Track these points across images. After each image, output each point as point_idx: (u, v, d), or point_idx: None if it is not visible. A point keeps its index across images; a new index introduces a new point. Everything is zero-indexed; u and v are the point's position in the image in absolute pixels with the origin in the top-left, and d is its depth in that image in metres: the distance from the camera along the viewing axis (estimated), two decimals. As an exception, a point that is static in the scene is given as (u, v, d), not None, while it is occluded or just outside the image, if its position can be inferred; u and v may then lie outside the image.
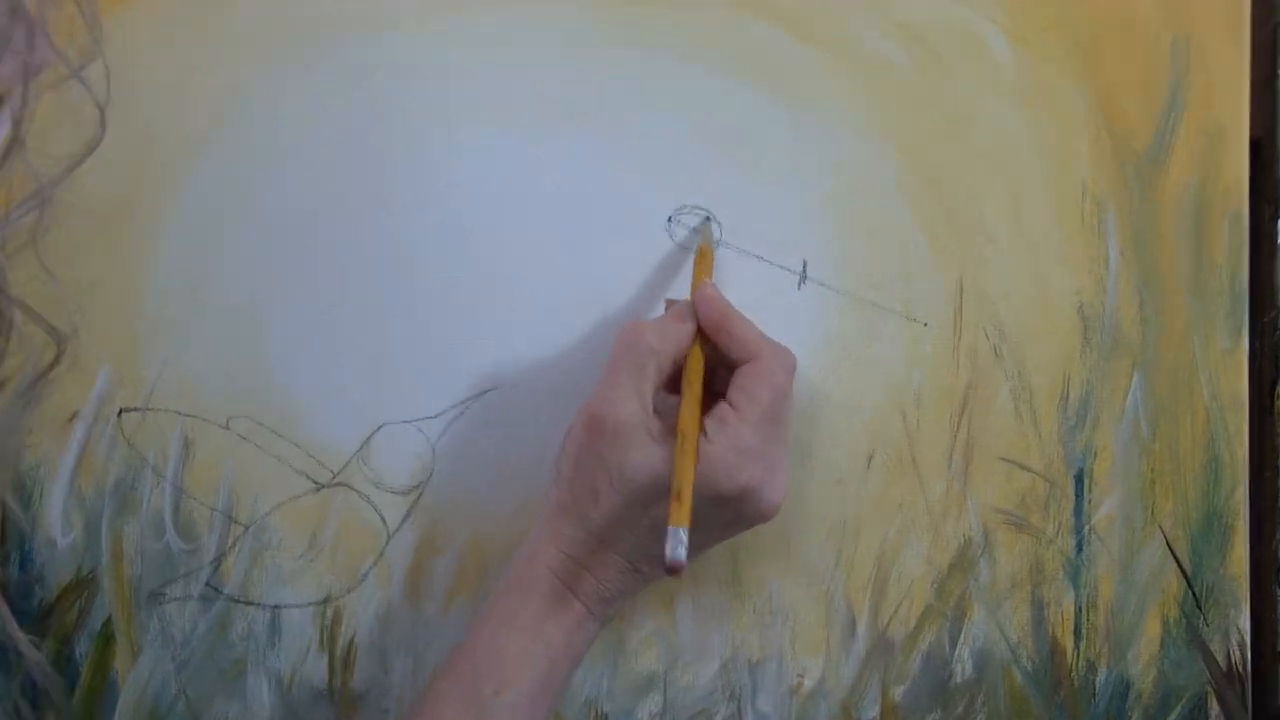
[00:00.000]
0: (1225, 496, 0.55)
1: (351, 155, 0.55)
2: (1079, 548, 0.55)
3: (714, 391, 0.50)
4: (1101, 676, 0.55)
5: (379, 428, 0.56)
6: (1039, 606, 0.55)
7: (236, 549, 0.56)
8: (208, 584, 0.56)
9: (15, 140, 0.38)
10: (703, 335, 0.51)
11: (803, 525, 0.55)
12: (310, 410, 0.56)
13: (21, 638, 0.44)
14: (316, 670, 0.56)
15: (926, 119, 0.55)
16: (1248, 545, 0.54)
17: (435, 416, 0.55)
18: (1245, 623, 0.55)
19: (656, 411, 0.49)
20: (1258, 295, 0.55)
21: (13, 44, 0.36)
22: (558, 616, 0.48)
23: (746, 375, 0.49)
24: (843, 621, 0.55)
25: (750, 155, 0.55)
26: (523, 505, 0.55)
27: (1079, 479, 0.55)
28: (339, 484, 0.56)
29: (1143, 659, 0.55)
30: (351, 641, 0.56)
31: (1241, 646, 0.55)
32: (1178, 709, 0.55)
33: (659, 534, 0.45)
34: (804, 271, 0.55)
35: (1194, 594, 0.55)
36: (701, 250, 0.54)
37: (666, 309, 0.53)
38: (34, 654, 0.51)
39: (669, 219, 0.55)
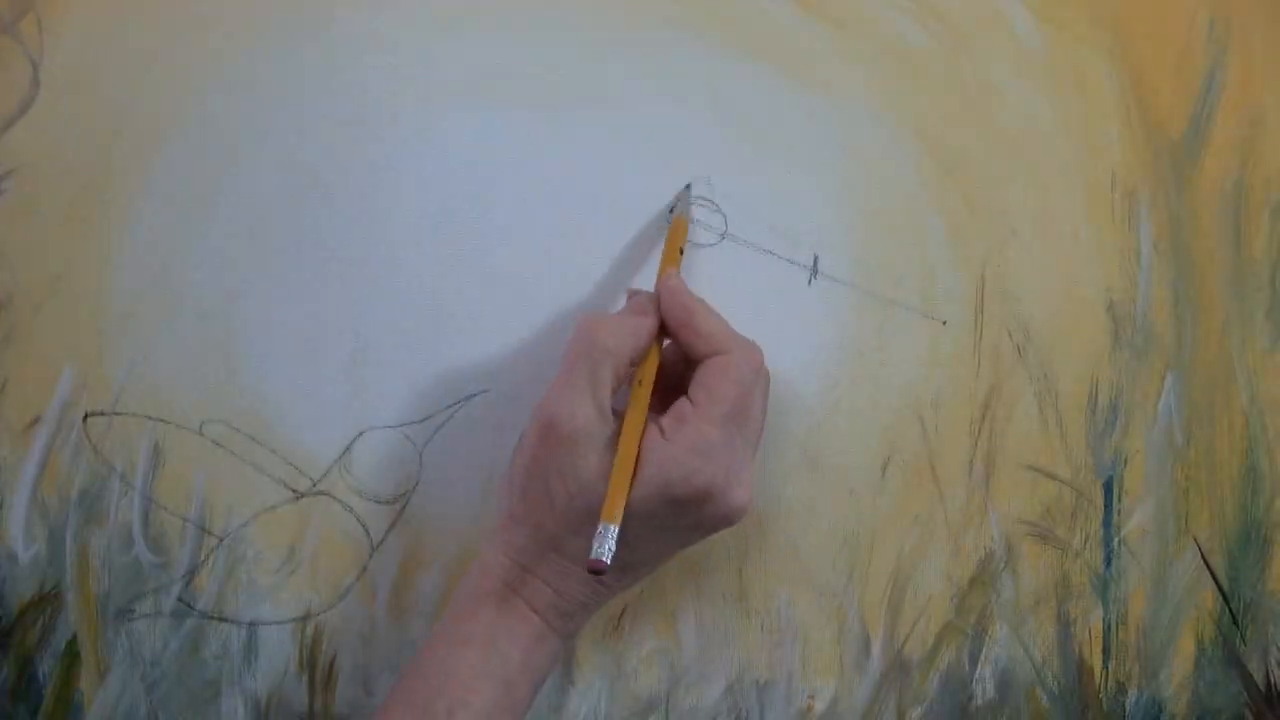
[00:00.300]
0: (1264, 507, 0.55)
1: (332, 141, 0.55)
2: (1108, 561, 0.55)
3: (677, 389, 0.50)
4: (1132, 698, 0.54)
5: (361, 433, 0.55)
6: (1065, 624, 0.54)
7: (210, 562, 0.55)
8: (179, 599, 0.55)
9: None
10: (663, 328, 0.50)
11: (814, 537, 0.55)
12: (288, 414, 0.55)
13: None
14: (295, 692, 0.55)
15: (946, 102, 0.55)
16: (1288, 559, 0.55)
17: (422, 421, 0.54)
18: (1285, 641, 0.55)
19: (615, 412, 0.49)
20: (1299, 292, 0.55)
21: None
22: (512, 630, 0.48)
23: (709, 371, 0.48)
24: (856, 640, 0.54)
25: (759, 141, 0.55)
26: (499, 481, 0.54)
27: (1108, 488, 0.55)
28: (319, 493, 0.55)
29: (1176, 679, 0.55)
30: (333, 661, 0.55)
31: (1281, 667, 0.55)
32: (1214, 733, 0.55)
33: (619, 545, 0.45)
34: (815, 266, 0.55)
35: (1230, 610, 0.54)
36: (675, 223, 0.53)
37: (628, 299, 0.53)
38: None
39: (671, 210, 0.54)
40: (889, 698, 0.54)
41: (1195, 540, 0.54)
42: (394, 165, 0.55)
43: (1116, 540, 0.54)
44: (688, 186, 0.54)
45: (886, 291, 0.54)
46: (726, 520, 0.48)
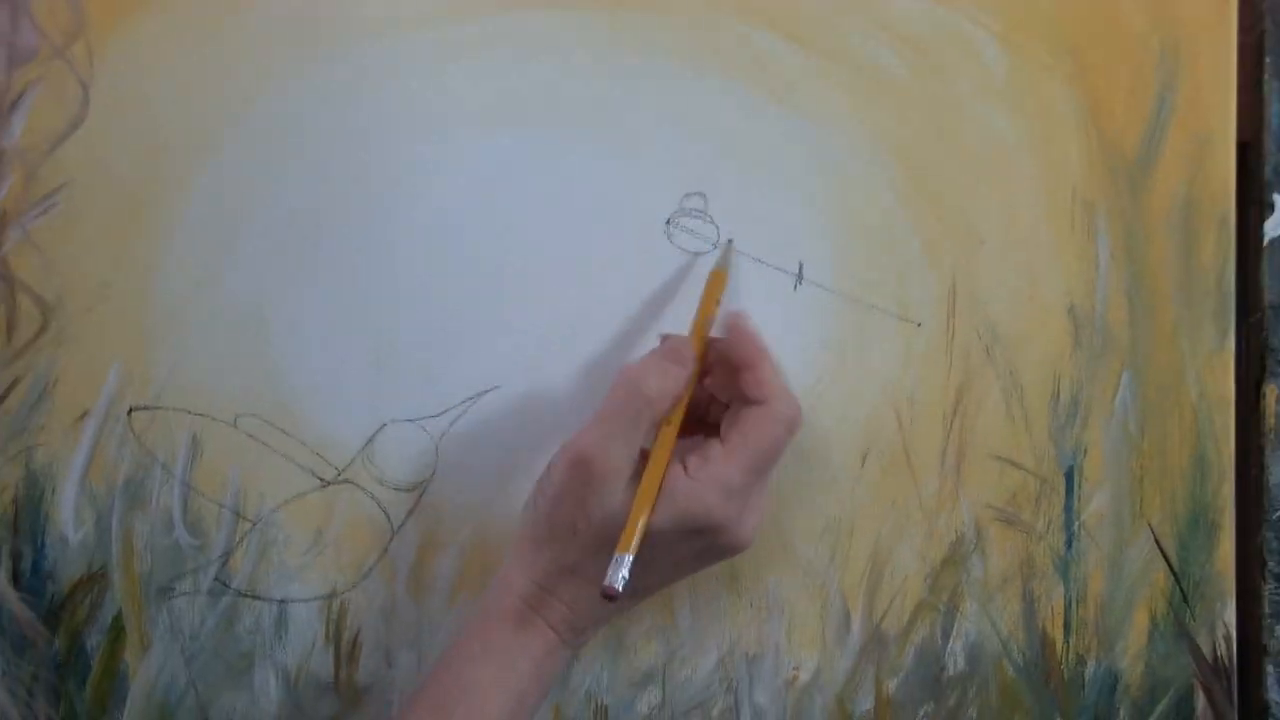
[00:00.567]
0: (1212, 493, 0.55)
1: (357, 157, 0.56)
2: (1069, 543, 0.56)
3: (696, 420, 0.51)
4: (1091, 669, 0.56)
5: (383, 426, 0.56)
6: (1030, 601, 0.56)
7: (244, 545, 0.56)
8: (216, 579, 0.57)
9: None
10: (699, 372, 0.51)
11: (799, 522, 0.56)
12: (316, 409, 0.56)
13: (12, 595, 0.44)
14: (322, 664, 0.56)
15: (919, 123, 0.56)
16: (1233, 541, 0.55)
17: (439, 415, 0.56)
18: (1231, 617, 0.55)
19: (644, 452, 0.49)
20: (1244, 296, 0.56)
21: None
22: (527, 645, 0.49)
23: (748, 417, 0.49)
24: (838, 616, 0.56)
25: (747, 159, 0.56)
26: (523, 502, 0.55)
27: (1069, 476, 0.56)
28: (344, 481, 0.56)
29: (1131, 652, 0.55)
30: (356, 636, 0.56)
31: (1227, 640, 0.55)
32: (1164, 701, 0.55)
33: (635, 571, 0.46)
34: (800, 273, 0.56)
35: (1181, 589, 0.55)
36: (715, 274, 0.53)
37: (662, 343, 0.53)
38: (24, 613, 0.52)
39: (667, 222, 0.56)
40: (868, 669, 0.56)
41: (1149, 524, 0.55)
42: (412, 180, 0.56)
43: (1077, 524, 0.55)
44: (730, 241, 0.55)
45: (865, 296, 0.56)
46: (733, 552, 0.50)
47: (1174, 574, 0.56)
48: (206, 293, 0.56)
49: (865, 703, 0.56)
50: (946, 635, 0.56)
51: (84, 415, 0.56)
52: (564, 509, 0.49)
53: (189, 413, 0.56)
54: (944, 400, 0.56)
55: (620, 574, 0.46)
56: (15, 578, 0.56)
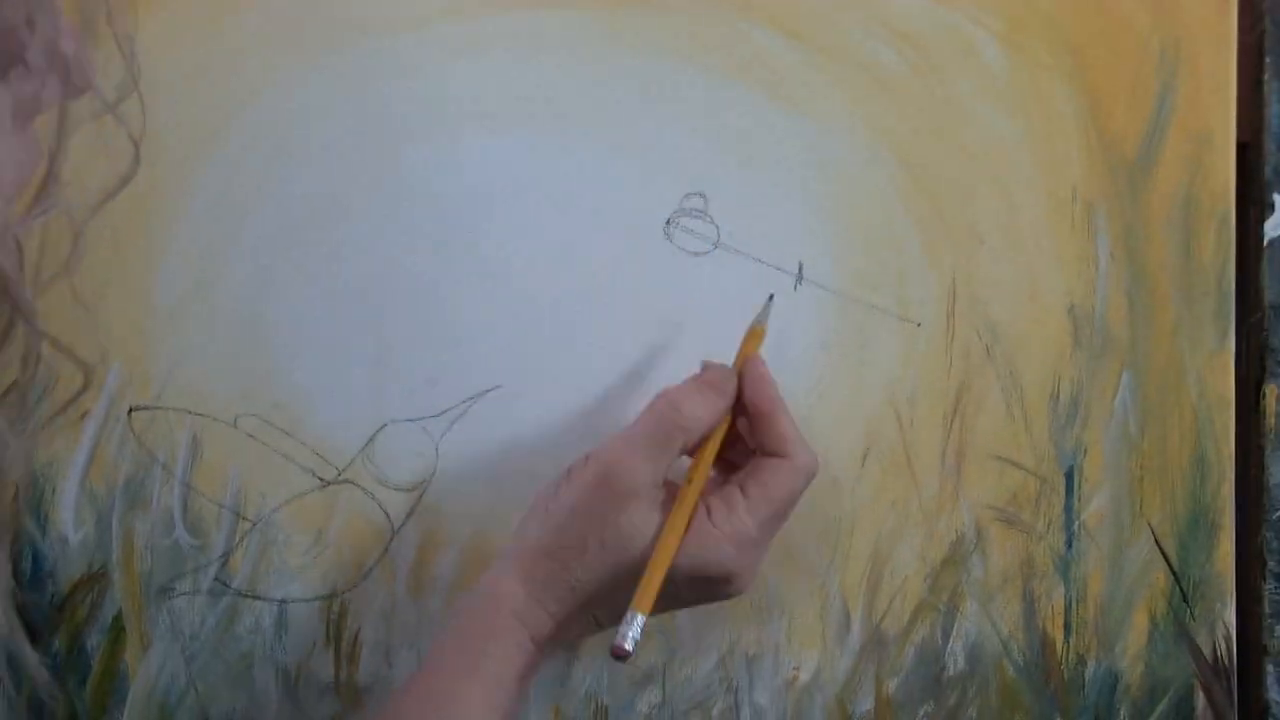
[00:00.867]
0: (1212, 493, 0.55)
1: (357, 157, 0.56)
2: (1069, 543, 0.56)
3: (721, 457, 0.51)
4: (1091, 669, 0.56)
5: (383, 426, 0.56)
6: (1030, 601, 0.56)
7: (244, 545, 0.57)
8: (216, 579, 0.57)
9: (50, 175, 0.38)
10: (742, 410, 0.50)
11: (799, 522, 0.54)
12: (316, 409, 0.56)
13: (33, 658, 0.44)
14: (322, 664, 0.57)
15: (920, 123, 0.56)
16: (1233, 541, 0.55)
17: (439, 415, 0.56)
18: (1231, 617, 0.55)
19: (668, 483, 0.49)
20: (1244, 296, 0.56)
21: (48, 81, 0.36)
22: (514, 660, 0.48)
23: (770, 470, 0.49)
24: (838, 616, 0.56)
25: (748, 158, 0.56)
26: (524, 503, 0.55)
27: (1069, 476, 0.56)
28: (344, 481, 0.56)
29: (1131, 652, 0.56)
30: (356, 636, 0.57)
31: (1227, 640, 0.55)
32: (1164, 701, 0.55)
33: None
34: (800, 273, 0.56)
35: (1181, 589, 0.55)
36: (753, 330, 0.53)
37: (703, 370, 0.52)
38: (42, 675, 0.52)
39: (667, 222, 0.56)
40: (868, 669, 0.56)
41: (1149, 524, 0.55)
42: (412, 180, 0.56)
43: (1077, 524, 0.55)
44: (771, 297, 0.54)
45: (866, 296, 0.56)
46: (729, 596, 0.49)
47: (1174, 574, 0.56)
48: (207, 293, 0.56)
49: (865, 703, 0.56)
50: (946, 635, 0.56)
51: (84, 415, 0.56)
52: (578, 523, 0.48)
53: (189, 413, 0.56)
54: (944, 400, 0.56)
55: (632, 634, 0.45)
56: (16, 577, 0.56)
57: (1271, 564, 0.56)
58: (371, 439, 0.56)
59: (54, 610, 0.56)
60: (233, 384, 0.56)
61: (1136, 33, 0.55)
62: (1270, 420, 0.56)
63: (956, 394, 0.56)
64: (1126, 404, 0.56)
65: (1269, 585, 0.56)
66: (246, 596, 0.57)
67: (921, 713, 0.56)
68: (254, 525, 0.57)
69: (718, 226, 0.56)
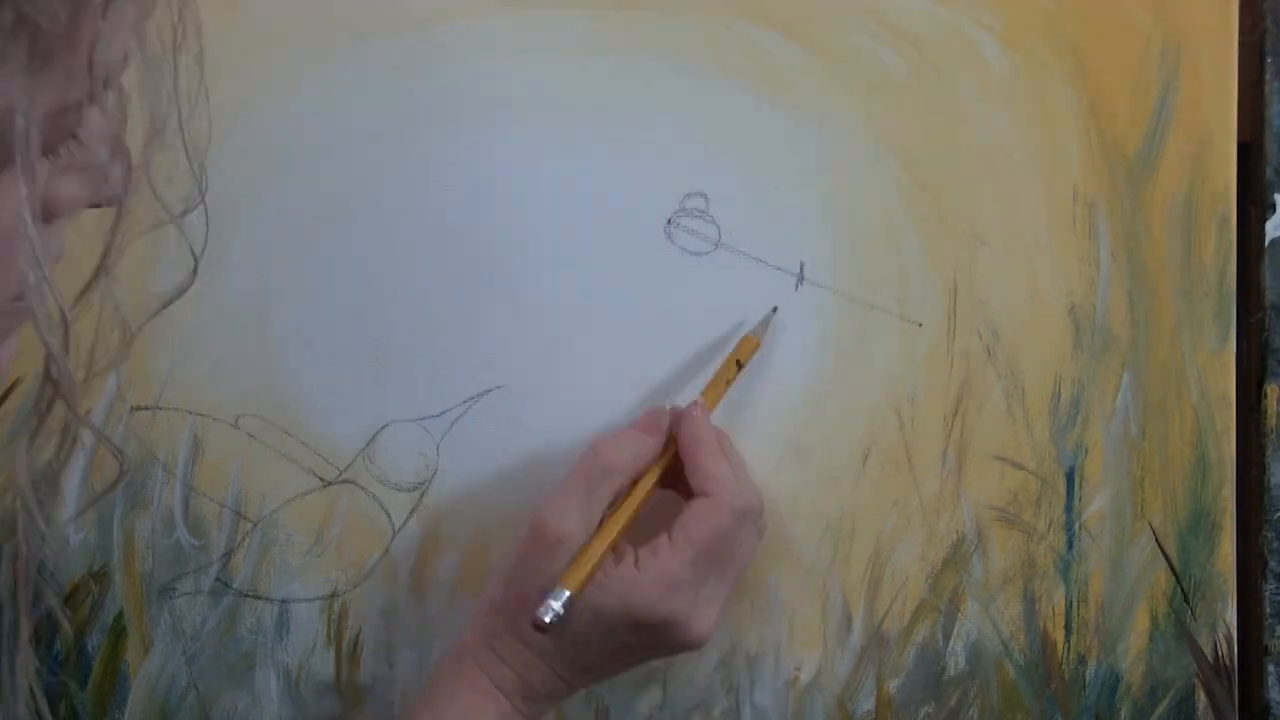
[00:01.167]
0: (1213, 494, 0.55)
1: (357, 157, 0.56)
2: (1070, 544, 0.56)
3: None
4: (1091, 669, 0.56)
5: (384, 426, 0.57)
6: (1031, 601, 0.56)
7: (245, 545, 0.57)
8: (217, 579, 0.57)
9: (102, 269, 0.37)
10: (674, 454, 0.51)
11: (800, 523, 0.56)
12: (317, 409, 0.57)
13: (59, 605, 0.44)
14: (324, 664, 0.57)
15: (921, 123, 0.56)
16: (1234, 541, 0.55)
17: (439, 415, 0.56)
18: (1232, 617, 0.55)
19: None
20: (1245, 296, 0.56)
21: (106, 175, 0.35)
22: (481, 709, 0.48)
23: (691, 510, 0.50)
24: (839, 616, 0.56)
25: (749, 158, 0.56)
26: (525, 503, 0.55)
27: (1070, 476, 0.56)
28: (345, 481, 0.57)
29: (1132, 652, 0.56)
30: (358, 636, 0.57)
31: (1228, 640, 0.55)
32: (1166, 701, 0.56)
33: (582, 648, 0.47)
34: (801, 273, 0.56)
35: (1182, 589, 0.55)
36: (745, 339, 0.54)
37: (644, 414, 0.54)
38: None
39: (668, 222, 0.56)
40: (869, 669, 0.56)
41: (1150, 525, 0.55)
42: (412, 180, 0.56)
43: (1078, 525, 0.55)
44: (774, 309, 0.55)
45: (867, 296, 0.56)
46: (684, 648, 0.50)
47: (1175, 574, 0.56)
48: (207, 293, 0.56)
49: (866, 703, 0.56)
50: (947, 635, 0.56)
51: (86, 415, 0.56)
52: (520, 575, 0.49)
53: (190, 413, 0.57)
54: (945, 400, 0.56)
55: (553, 606, 0.46)
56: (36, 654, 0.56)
57: (1272, 564, 0.56)
58: (372, 439, 0.56)
59: (55, 611, 0.56)
60: (233, 384, 0.56)
61: (1137, 33, 0.55)
62: (1271, 420, 0.56)
63: (957, 394, 0.56)
64: (1127, 404, 0.56)
65: (1270, 585, 0.56)
66: (248, 596, 0.57)
67: (922, 713, 0.56)
68: (255, 525, 0.57)
69: (719, 226, 0.56)
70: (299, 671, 0.57)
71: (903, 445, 0.56)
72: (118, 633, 0.56)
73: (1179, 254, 0.55)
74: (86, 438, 0.55)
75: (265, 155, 0.56)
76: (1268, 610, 0.56)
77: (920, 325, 0.56)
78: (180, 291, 0.44)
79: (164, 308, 0.44)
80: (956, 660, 0.56)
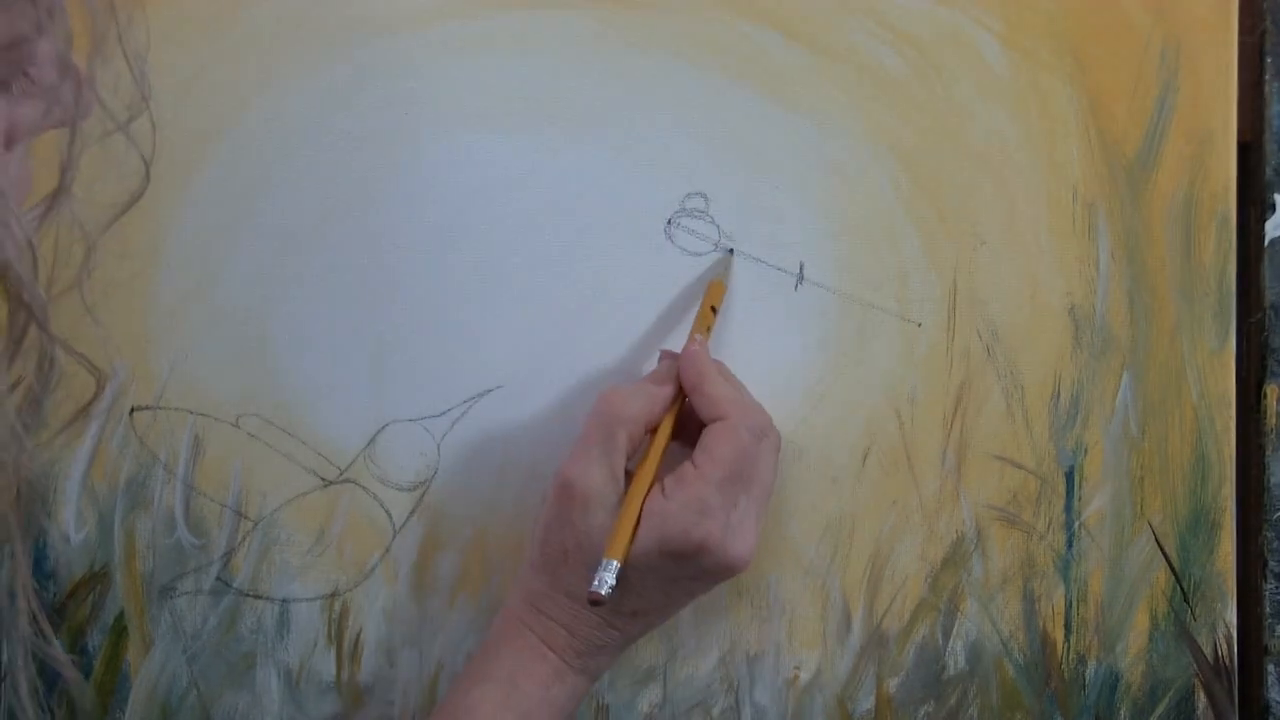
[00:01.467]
0: (1213, 493, 0.55)
1: (357, 157, 0.56)
2: (1069, 543, 0.56)
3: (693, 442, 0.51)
4: (1091, 669, 0.56)
5: (385, 426, 0.57)
6: (1030, 600, 0.56)
7: (246, 544, 0.57)
8: (218, 578, 0.57)
9: (61, 189, 0.38)
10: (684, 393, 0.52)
11: (800, 522, 0.56)
12: (318, 409, 0.57)
13: (64, 659, 0.44)
14: (324, 663, 0.57)
15: (921, 123, 0.56)
16: (1234, 541, 0.55)
17: (440, 415, 0.56)
18: (1232, 617, 0.55)
19: (628, 473, 0.50)
20: (1245, 296, 0.56)
21: (60, 97, 0.36)
22: (531, 668, 0.49)
23: (710, 434, 0.50)
24: (838, 615, 0.56)
25: (749, 158, 0.56)
26: (525, 502, 0.56)
27: (1070, 476, 0.56)
28: (346, 481, 0.57)
29: (1131, 652, 0.56)
30: (358, 635, 0.57)
31: (1228, 640, 0.55)
32: (1165, 701, 0.56)
33: (626, 591, 0.47)
34: (801, 273, 0.56)
35: (1182, 589, 0.56)
36: (712, 285, 0.54)
37: (659, 361, 0.54)
38: (72, 672, 0.52)
39: (668, 221, 0.56)
40: (868, 668, 0.56)
41: (1149, 524, 0.55)
42: (412, 180, 0.56)
43: (1077, 524, 0.55)
44: (730, 251, 0.55)
45: (866, 296, 0.56)
46: (729, 571, 0.49)
47: (1175, 574, 0.56)
48: (208, 293, 0.56)
49: (865, 702, 0.56)
50: (947, 635, 0.56)
51: (86, 415, 0.56)
52: (554, 534, 0.50)
53: (191, 412, 0.57)
54: (945, 400, 0.56)
55: (605, 578, 0.46)
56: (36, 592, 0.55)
57: (1272, 564, 0.56)
58: (373, 439, 0.57)
59: (55, 610, 0.56)
60: (234, 384, 0.57)
61: (1137, 33, 0.55)
62: (1271, 420, 0.56)
63: (957, 394, 0.56)
64: (1127, 404, 0.56)
65: (1270, 585, 0.56)
66: (248, 596, 0.57)
67: (922, 712, 0.56)
68: (256, 525, 0.57)
69: (718, 226, 0.56)
70: (299, 671, 0.57)
71: (903, 445, 0.56)
72: (118, 632, 0.57)
73: (1179, 254, 0.55)
74: (91, 429, 0.55)
75: (265, 155, 0.56)
76: (1268, 610, 0.56)
77: (920, 325, 0.56)
78: (135, 198, 0.45)
79: (121, 215, 0.45)
80: (956, 659, 0.56)
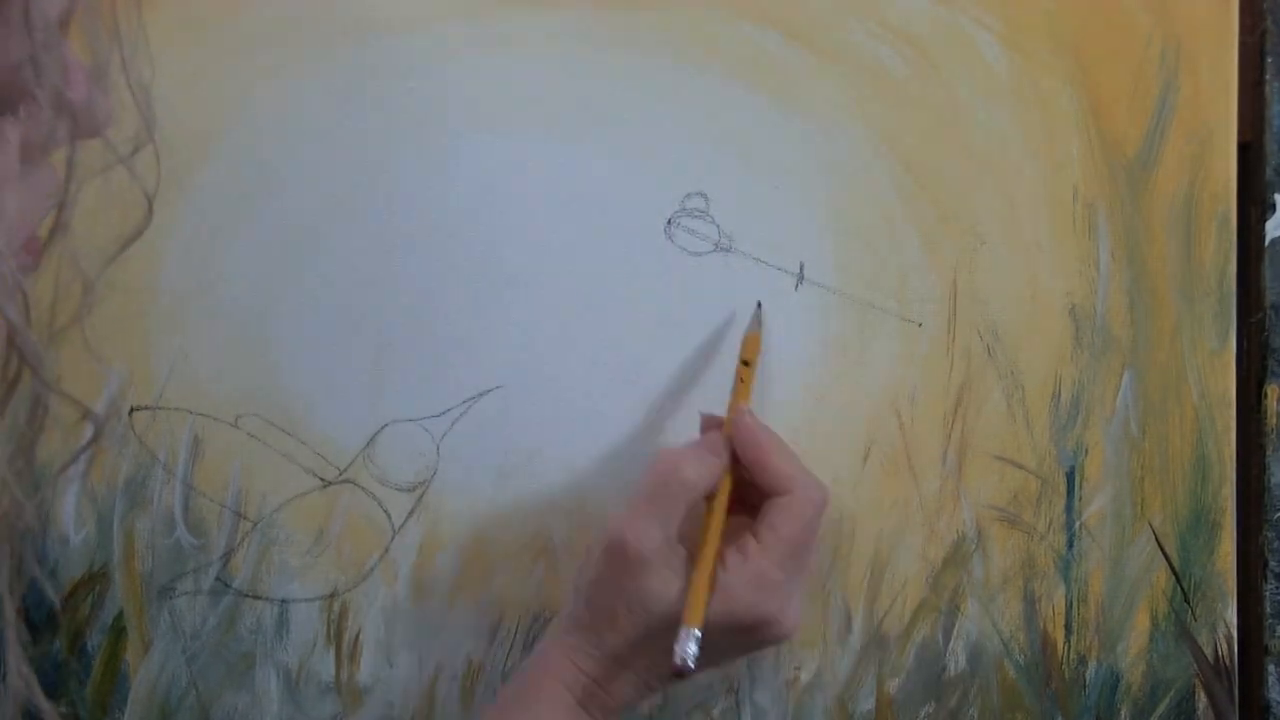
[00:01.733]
0: (1213, 493, 0.55)
1: (357, 157, 0.56)
2: (1070, 543, 0.56)
3: (745, 503, 0.51)
4: (1092, 669, 0.56)
5: (384, 426, 0.57)
6: (1031, 601, 0.56)
7: (245, 545, 0.57)
8: (217, 579, 0.57)
9: (59, 226, 0.38)
10: (735, 458, 0.51)
11: None
12: (317, 409, 0.57)
13: (47, 708, 0.44)
14: (323, 663, 0.57)
15: (921, 122, 0.56)
16: (1235, 541, 0.55)
17: (439, 415, 0.56)
18: (1232, 617, 0.55)
19: (680, 537, 0.50)
20: (1245, 296, 0.56)
21: (58, 121, 0.35)
22: None
23: (774, 509, 0.49)
24: (839, 616, 0.56)
25: (749, 158, 0.56)
26: (525, 502, 0.56)
27: (1070, 476, 0.56)
28: (345, 481, 0.57)
29: (1132, 652, 0.56)
30: (357, 635, 0.57)
31: (1229, 640, 0.55)
32: (1166, 701, 0.55)
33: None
34: (801, 273, 0.56)
35: (1182, 589, 0.55)
36: (748, 338, 0.54)
37: (702, 427, 0.54)
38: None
39: (668, 222, 0.56)
40: (869, 669, 0.56)
41: (1150, 524, 0.55)
42: (412, 180, 0.56)
43: (1078, 524, 0.55)
44: (759, 305, 0.55)
45: (866, 296, 0.56)
46: (777, 641, 0.50)
47: (1175, 574, 0.56)
48: (208, 293, 0.56)
49: (866, 703, 0.56)
50: (948, 635, 0.56)
51: (85, 415, 0.55)
52: (603, 594, 0.49)
53: (190, 413, 0.57)
54: (945, 400, 0.56)
55: (689, 649, 0.46)
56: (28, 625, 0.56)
57: (1273, 564, 0.56)
58: (372, 439, 0.57)
59: (55, 611, 0.56)
60: (234, 384, 0.57)
61: (1137, 33, 0.55)
62: (1271, 420, 0.56)
63: (957, 394, 0.56)
64: (1127, 404, 0.56)
65: (1270, 585, 0.56)
66: (247, 596, 0.57)
67: (923, 713, 0.56)
68: (255, 525, 0.57)
69: (718, 226, 0.56)
70: (299, 671, 0.57)
71: (903, 445, 0.56)
72: (118, 632, 0.57)
73: (1179, 254, 0.55)
74: (90, 429, 0.53)
75: (265, 155, 0.56)
76: (1268, 610, 0.56)
77: (920, 325, 0.56)
78: (137, 233, 0.44)
79: (121, 252, 0.44)
80: (956, 660, 0.56)
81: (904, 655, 0.56)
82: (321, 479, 0.57)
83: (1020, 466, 0.56)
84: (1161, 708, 0.55)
